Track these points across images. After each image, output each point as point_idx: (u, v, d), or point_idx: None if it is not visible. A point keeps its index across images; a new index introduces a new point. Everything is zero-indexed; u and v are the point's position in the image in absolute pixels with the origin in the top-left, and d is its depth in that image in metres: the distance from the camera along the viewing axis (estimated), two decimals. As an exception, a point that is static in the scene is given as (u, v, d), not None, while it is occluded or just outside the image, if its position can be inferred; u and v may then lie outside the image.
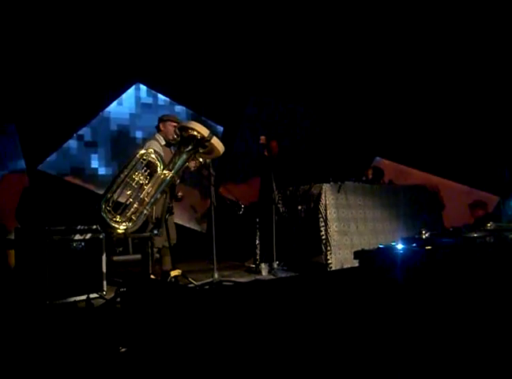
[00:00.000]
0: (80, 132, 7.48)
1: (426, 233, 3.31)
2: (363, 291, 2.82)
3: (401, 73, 7.79)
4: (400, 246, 2.98)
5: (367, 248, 4.45)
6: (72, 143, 7.40)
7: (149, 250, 4.27)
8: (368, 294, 2.78)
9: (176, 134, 3.93)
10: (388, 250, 2.96)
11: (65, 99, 6.86)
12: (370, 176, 6.97)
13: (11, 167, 6.73)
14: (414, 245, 3.03)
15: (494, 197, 7.39)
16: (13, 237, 4.80)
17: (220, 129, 8.79)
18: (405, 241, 3.10)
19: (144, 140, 5.02)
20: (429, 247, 2.88)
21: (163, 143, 4.37)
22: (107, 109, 7.78)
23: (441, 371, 2.08)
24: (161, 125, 4.47)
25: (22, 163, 6.83)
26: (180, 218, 7.33)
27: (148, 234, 3.89)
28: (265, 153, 6.12)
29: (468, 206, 6.62)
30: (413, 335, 2.41)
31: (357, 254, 3.07)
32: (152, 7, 6.87)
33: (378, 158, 9.01)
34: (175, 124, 4.34)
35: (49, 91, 6.74)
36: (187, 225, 8.19)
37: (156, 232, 3.91)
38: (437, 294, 2.62)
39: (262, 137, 6.08)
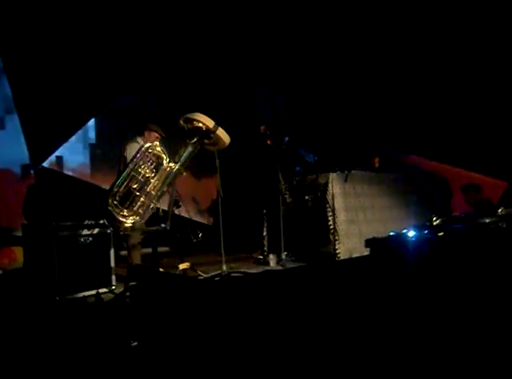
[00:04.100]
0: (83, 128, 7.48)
1: (437, 219, 3.26)
2: (375, 280, 2.79)
3: (410, 57, 7.63)
4: (412, 233, 2.93)
5: (376, 236, 4.40)
6: (75, 139, 7.39)
7: (156, 244, 4.27)
8: (380, 283, 2.75)
9: (181, 126, 3.91)
10: (400, 238, 2.92)
11: (71, 95, 6.83)
12: (377, 165, 6.90)
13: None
14: (426, 232, 2.99)
15: (503, 183, 7.29)
16: (20, 234, 4.80)
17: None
18: (417, 228, 3.06)
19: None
20: (441, 233, 2.83)
21: None
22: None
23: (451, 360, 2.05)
24: (146, 133, 4.66)
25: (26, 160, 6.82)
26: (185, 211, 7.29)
27: (155, 227, 3.87)
28: (268, 142, 6.02)
29: (460, 189, 6.45)
30: (428, 324, 2.37)
31: (368, 242, 3.02)
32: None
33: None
34: (158, 136, 4.59)
35: (55, 86, 6.72)
36: (194, 218, 8.15)
37: (163, 226, 3.89)
38: (451, 281, 2.58)
39: (262, 127, 5.96)
